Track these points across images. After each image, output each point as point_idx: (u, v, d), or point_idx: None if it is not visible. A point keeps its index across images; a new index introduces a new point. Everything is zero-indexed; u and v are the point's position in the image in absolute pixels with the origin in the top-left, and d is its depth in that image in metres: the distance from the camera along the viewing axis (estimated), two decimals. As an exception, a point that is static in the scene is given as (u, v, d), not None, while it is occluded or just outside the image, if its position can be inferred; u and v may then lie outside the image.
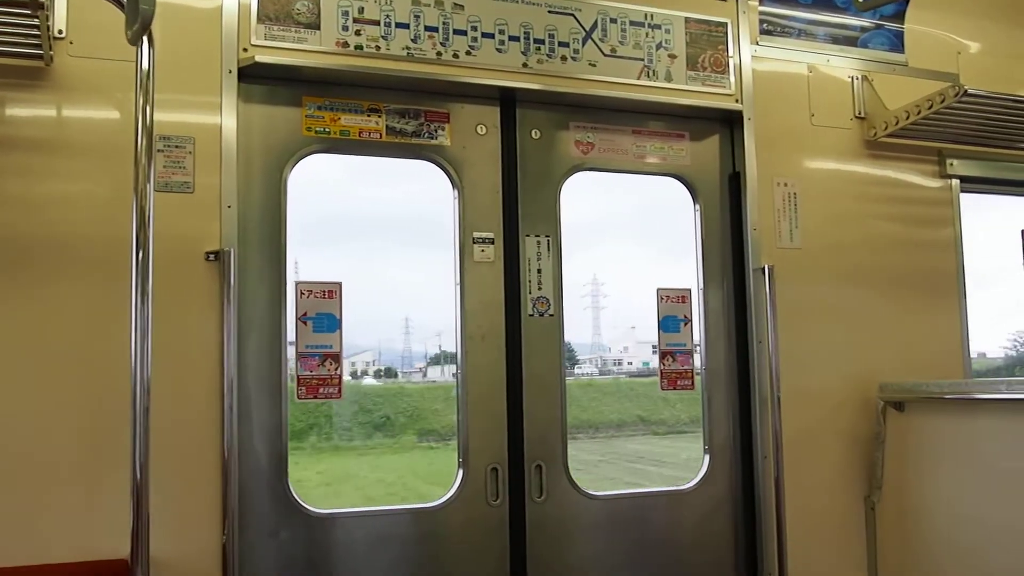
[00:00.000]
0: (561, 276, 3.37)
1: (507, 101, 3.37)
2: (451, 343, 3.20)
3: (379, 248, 3.41)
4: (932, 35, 4.03)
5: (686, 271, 3.60)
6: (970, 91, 3.36)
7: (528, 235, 3.35)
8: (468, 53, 3.22)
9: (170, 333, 2.67)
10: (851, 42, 3.87)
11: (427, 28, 3.17)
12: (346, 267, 3.13)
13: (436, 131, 3.27)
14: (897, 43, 3.95)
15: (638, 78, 3.46)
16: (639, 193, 3.69)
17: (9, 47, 2.59)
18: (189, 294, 2.79)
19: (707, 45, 3.58)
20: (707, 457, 3.54)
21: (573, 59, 3.37)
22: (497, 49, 3.26)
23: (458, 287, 3.25)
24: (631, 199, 3.65)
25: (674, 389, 3.53)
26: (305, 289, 3.02)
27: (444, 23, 3.20)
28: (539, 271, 3.34)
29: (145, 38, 2.18)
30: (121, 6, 2.20)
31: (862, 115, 3.82)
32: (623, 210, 3.60)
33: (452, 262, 3.27)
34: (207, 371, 2.78)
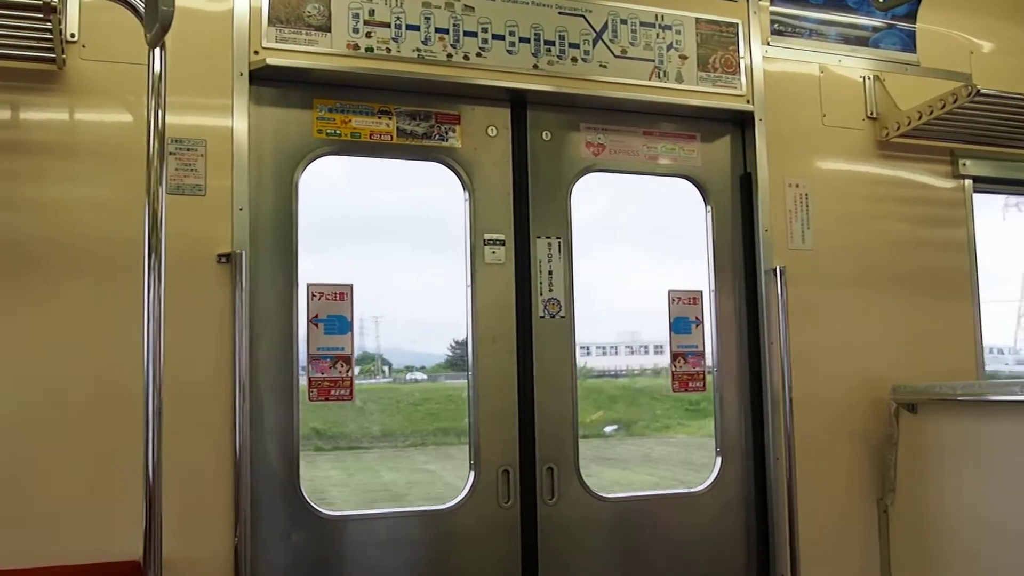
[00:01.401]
0: (572, 278, 3.37)
1: (518, 103, 3.37)
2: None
3: (388, 250, 3.39)
4: (944, 35, 4.01)
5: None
6: (983, 91, 3.35)
7: (539, 237, 3.34)
8: (479, 55, 3.22)
9: (182, 335, 2.68)
10: (863, 42, 3.86)
11: (437, 30, 3.17)
12: (353, 269, 3.13)
13: (447, 133, 3.27)
14: (909, 43, 3.93)
15: (649, 79, 3.46)
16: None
17: (22, 51, 2.60)
18: (201, 296, 2.80)
19: (718, 46, 3.57)
20: (719, 459, 3.53)
21: (584, 60, 3.37)
22: (508, 51, 3.26)
23: (469, 289, 3.25)
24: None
25: (685, 391, 3.52)
26: (316, 291, 3.03)
27: (454, 25, 3.20)
28: (550, 273, 3.34)
29: (157, 41, 2.19)
30: (134, 10, 2.21)
31: (874, 115, 3.81)
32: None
33: (463, 264, 3.26)
34: (219, 373, 2.79)
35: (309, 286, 3.03)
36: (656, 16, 3.49)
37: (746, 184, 3.63)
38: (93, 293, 2.70)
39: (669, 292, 3.56)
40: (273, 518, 2.92)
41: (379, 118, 3.18)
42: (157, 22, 2.10)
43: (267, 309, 2.97)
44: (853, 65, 3.83)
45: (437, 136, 3.25)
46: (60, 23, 2.50)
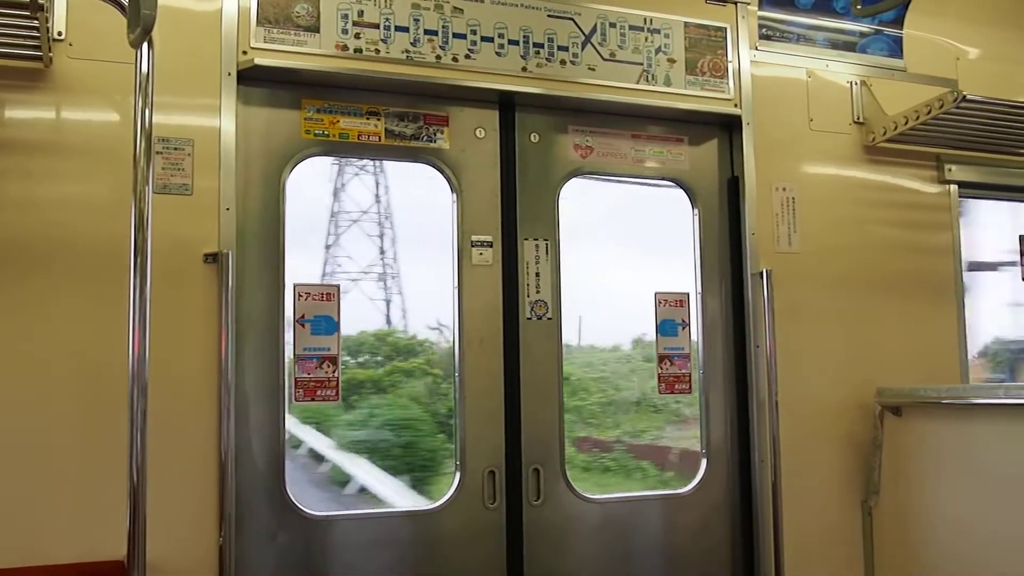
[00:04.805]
0: (559, 279, 3.37)
1: (506, 105, 3.37)
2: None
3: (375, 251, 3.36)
4: (931, 40, 4.03)
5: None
6: (969, 97, 3.37)
7: (527, 238, 3.35)
8: (467, 57, 3.23)
9: (168, 335, 2.67)
10: (850, 47, 3.88)
11: (426, 32, 3.17)
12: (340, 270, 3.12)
13: (435, 134, 3.27)
14: (896, 48, 3.95)
15: (637, 82, 3.46)
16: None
17: (8, 48, 2.59)
18: (187, 296, 2.79)
19: (706, 50, 3.58)
20: (704, 461, 3.54)
21: (572, 63, 3.38)
22: (496, 53, 3.27)
23: (456, 290, 3.25)
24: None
25: (672, 393, 3.53)
26: (303, 291, 3.02)
27: (443, 27, 3.20)
28: (537, 274, 3.34)
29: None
30: (122, 8, 2.20)
31: (861, 120, 3.83)
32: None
33: (450, 265, 3.26)
34: (205, 373, 2.78)
35: (296, 286, 3.02)
36: (645, 20, 3.50)
37: (733, 187, 3.64)
38: (79, 292, 2.69)
39: (656, 294, 3.56)
40: (258, 518, 2.91)
41: (367, 119, 3.18)
42: (139, 24, 2.09)
43: (253, 309, 2.97)
44: (840, 70, 3.84)
45: (425, 137, 3.25)
46: (47, 21, 2.49)
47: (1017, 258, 4.04)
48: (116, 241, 2.61)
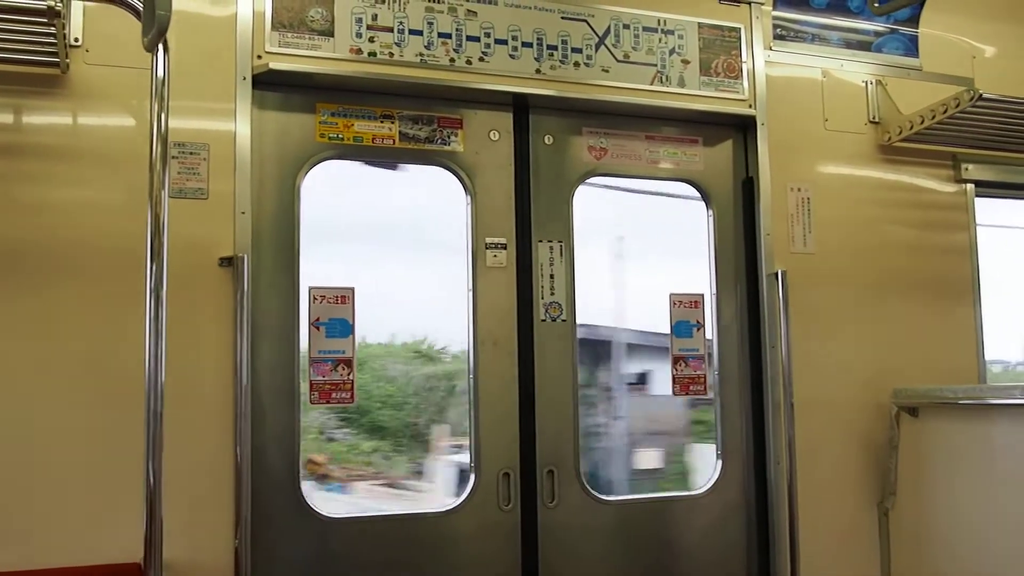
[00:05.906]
0: (574, 281, 3.37)
1: (520, 107, 3.38)
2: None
3: (389, 254, 3.35)
4: (947, 39, 4.01)
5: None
6: (985, 95, 3.35)
7: (541, 240, 3.35)
8: (481, 59, 3.23)
9: (184, 339, 2.69)
10: (865, 47, 3.86)
11: (440, 35, 3.18)
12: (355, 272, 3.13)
13: (449, 137, 3.28)
14: (912, 47, 3.93)
15: (651, 83, 3.46)
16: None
17: (26, 55, 2.61)
18: (203, 300, 2.81)
19: (720, 50, 3.58)
20: (720, 462, 3.53)
21: (586, 65, 3.38)
22: (510, 55, 3.27)
23: (470, 292, 3.25)
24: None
25: (686, 394, 3.53)
26: (318, 294, 3.04)
27: (457, 30, 3.21)
28: (552, 276, 3.35)
29: (160, 45, 2.20)
30: (137, 13, 2.22)
31: (876, 120, 3.81)
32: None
33: (464, 267, 3.27)
34: (220, 376, 2.80)
35: (311, 289, 3.04)
36: (659, 21, 3.50)
37: (748, 188, 3.63)
38: (95, 296, 2.71)
39: (670, 295, 3.56)
40: (274, 520, 2.92)
41: (381, 122, 3.19)
42: (154, 26, 2.11)
43: (269, 312, 2.98)
44: (855, 70, 3.83)
45: (439, 140, 3.26)
46: (64, 28, 2.50)
47: None
48: (132, 245, 2.62)
